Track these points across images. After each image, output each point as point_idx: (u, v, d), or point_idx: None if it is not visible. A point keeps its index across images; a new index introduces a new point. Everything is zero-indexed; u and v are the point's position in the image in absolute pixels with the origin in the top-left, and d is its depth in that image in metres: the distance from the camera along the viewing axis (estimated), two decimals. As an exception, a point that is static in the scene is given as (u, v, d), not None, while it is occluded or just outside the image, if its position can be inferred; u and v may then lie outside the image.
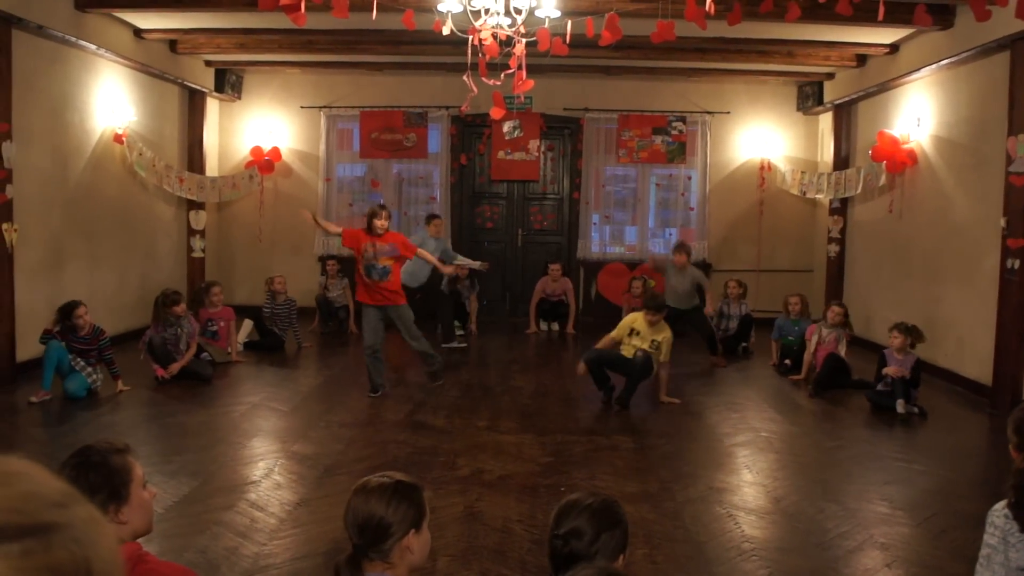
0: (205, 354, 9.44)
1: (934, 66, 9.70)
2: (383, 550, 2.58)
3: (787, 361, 10.04)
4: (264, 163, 13.48)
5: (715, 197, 13.92)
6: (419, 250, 8.85)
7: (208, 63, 13.01)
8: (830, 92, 13.03)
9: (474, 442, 6.85)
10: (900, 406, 7.96)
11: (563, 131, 14.05)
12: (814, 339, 9.52)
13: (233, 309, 10.36)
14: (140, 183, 11.36)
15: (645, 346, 8.17)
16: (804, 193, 13.06)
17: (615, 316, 10.83)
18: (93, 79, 10.10)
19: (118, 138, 10.57)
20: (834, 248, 12.84)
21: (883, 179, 10.92)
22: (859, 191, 11.58)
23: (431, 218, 11.58)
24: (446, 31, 6.47)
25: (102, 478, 2.55)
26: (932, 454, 6.89)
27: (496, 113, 7.60)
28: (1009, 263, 8.23)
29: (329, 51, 11.94)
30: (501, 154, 13.79)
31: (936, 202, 10.04)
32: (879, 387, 8.34)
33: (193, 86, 12.56)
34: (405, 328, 8.43)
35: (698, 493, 5.77)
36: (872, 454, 6.89)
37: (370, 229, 8.23)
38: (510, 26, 6.45)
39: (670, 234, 14.17)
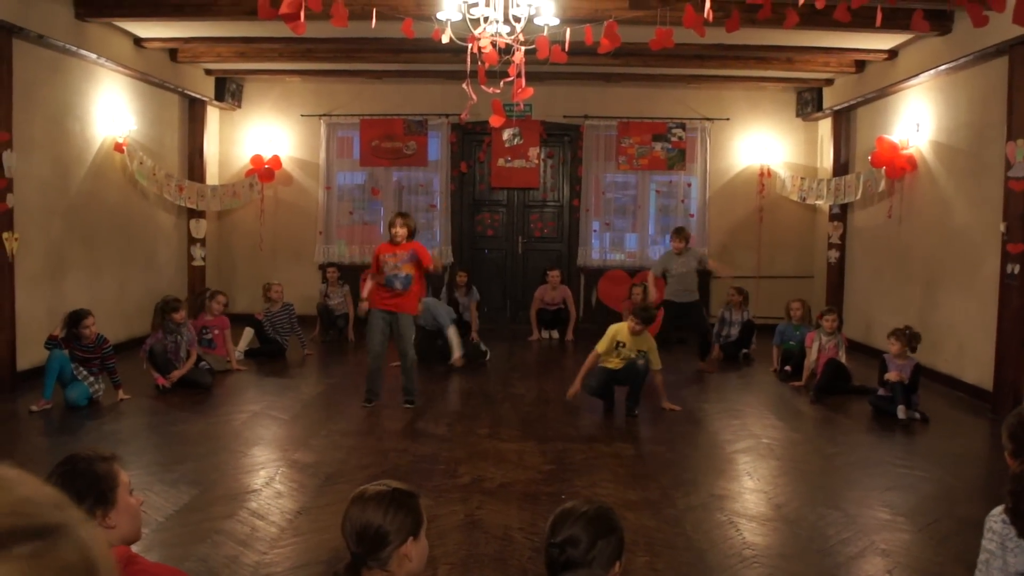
0: (204, 363, 9.43)
1: (933, 72, 9.72)
2: (381, 558, 2.58)
3: (787, 367, 10.03)
4: (264, 171, 13.50)
5: (715, 204, 13.93)
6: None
7: (208, 72, 13.04)
8: (829, 98, 13.04)
9: (475, 450, 6.85)
10: (901, 411, 7.95)
11: (563, 138, 14.06)
12: (815, 346, 9.52)
13: (228, 318, 10.35)
14: (140, 192, 11.37)
15: (633, 356, 8.15)
16: (804, 199, 13.07)
17: (615, 322, 10.80)
18: (93, 88, 10.12)
19: (118, 147, 10.59)
20: (834, 254, 12.84)
21: (883, 185, 10.93)
22: (859, 197, 11.59)
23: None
24: (445, 39, 6.49)
25: (88, 484, 2.59)
26: (933, 459, 6.88)
27: (496, 121, 7.62)
28: (1009, 268, 8.23)
29: (329, 59, 11.97)
30: (501, 162, 13.81)
31: (936, 207, 10.05)
32: (879, 392, 8.33)
33: (193, 95, 12.58)
34: (402, 341, 8.18)
35: (699, 500, 5.76)
36: (873, 460, 6.88)
37: (390, 239, 8.17)
38: (509, 34, 6.47)
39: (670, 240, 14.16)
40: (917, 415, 8.05)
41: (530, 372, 10.53)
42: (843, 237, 12.75)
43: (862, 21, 7.39)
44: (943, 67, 9.46)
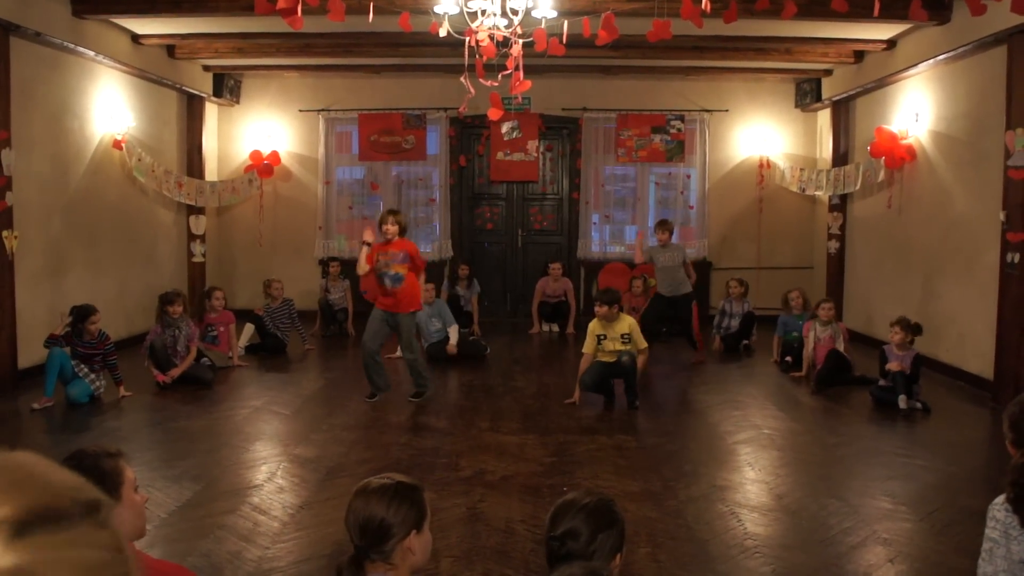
0: (205, 359, 9.44)
1: (931, 61, 9.71)
2: (385, 551, 2.58)
3: (788, 358, 10.03)
4: (263, 167, 13.49)
5: (714, 195, 13.93)
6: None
7: (206, 68, 13.02)
8: (828, 89, 13.03)
9: (476, 443, 6.86)
10: (902, 401, 7.96)
11: (562, 131, 14.06)
12: (811, 336, 9.52)
13: (233, 313, 10.37)
14: (140, 189, 11.37)
15: (618, 346, 8.14)
16: (803, 190, 13.07)
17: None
18: (91, 85, 10.11)
19: (117, 144, 10.58)
20: (834, 244, 12.84)
21: (882, 175, 10.92)
22: (858, 187, 11.58)
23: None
24: (443, 33, 6.48)
25: (94, 481, 2.54)
26: (934, 449, 6.89)
27: (494, 114, 7.61)
28: (1009, 257, 8.23)
29: (326, 54, 11.96)
30: (500, 155, 13.80)
31: (935, 197, 10.04)
32: (880, 383, 8.33)
33: (191, 91, 12.57)
34: (403, 337, 8.18)
35: (701, 491, 5.77)
36: (874, 450, 6.89)
37: (381, 232, 8.13)
38: (507, 27, 6.46)
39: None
40: (918, 405, 8.05)
41: (531, 365, 10.54)
42: (843, 227, 12.75)
43: (860, 11, 7.37)
44: (942, 56, 9.45)
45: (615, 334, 8.11)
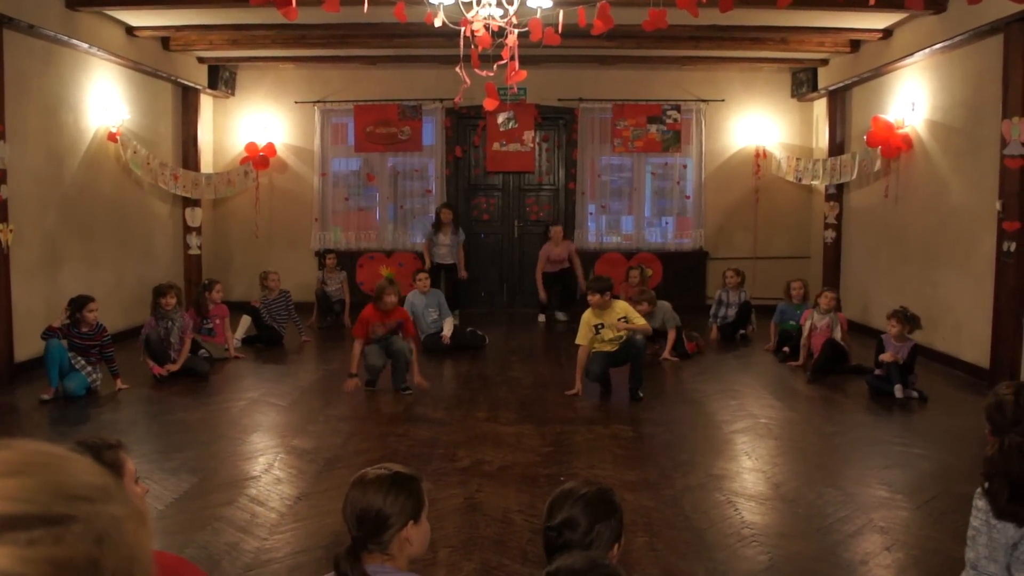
0: (202, 351, 9.44)
1: (927, 50, 9.70)
2: (382, 541, 2.58)
3: (785, 348, 10.03)
4: (259, 159, 13.47)
5: (711, 185, 13.93)
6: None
7: (201, 60, 12.99)
8: (824, 78, 13.02)
9: (473, 433, 6.86)
10: (898, 391, 7.97)
11: (558, 121, 14.04)
12: (807, 325, 9.53)
13: (227, 306, 10.37)
14: (135, 181, 11.34)
15: (616, 332, 8.12)
16: (800, 180, 13.06)
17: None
18: (86, 78, 10.08)
19: (112, 136, 10.56)
20: (830, 234, 12.84)
21: (878, 164, 10.93)
22: (854, 177, 11.58)
23: (417, 273, 11.19)
24: (438, 23, 6.46)
25: None
26: (931, 438, 6.90)
27: (490, 104, 7.59)
28: (1005, 246, 8.24)
29: (322, 45, 11.93)
30: (496, 146, 13.78)
31: (931, 186, 10.05)
32: (876, 372, 8.34)
33: (186, 83, 12.54)
34: (398, 355, 8.19)
35: (697, 480, 5.78)
36: (871, 439, 6.90)
37: (378, 304, 8.14)
38: (502, 17, 6.44)
39: (666, 223, 14.20)
40: (915, 394, 8.06)
41: (528, 355, 10.53)
42: (839, 217, 12.75)
43: (856, 0, 7.36)
44: (938, 46, 9.44)
45: (612, 320, 8.10)
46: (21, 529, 0.77)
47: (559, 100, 13.74)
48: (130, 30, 10.82)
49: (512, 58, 6.79)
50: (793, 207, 13.98)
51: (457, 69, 7.07)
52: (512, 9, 6.36)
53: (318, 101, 13.85)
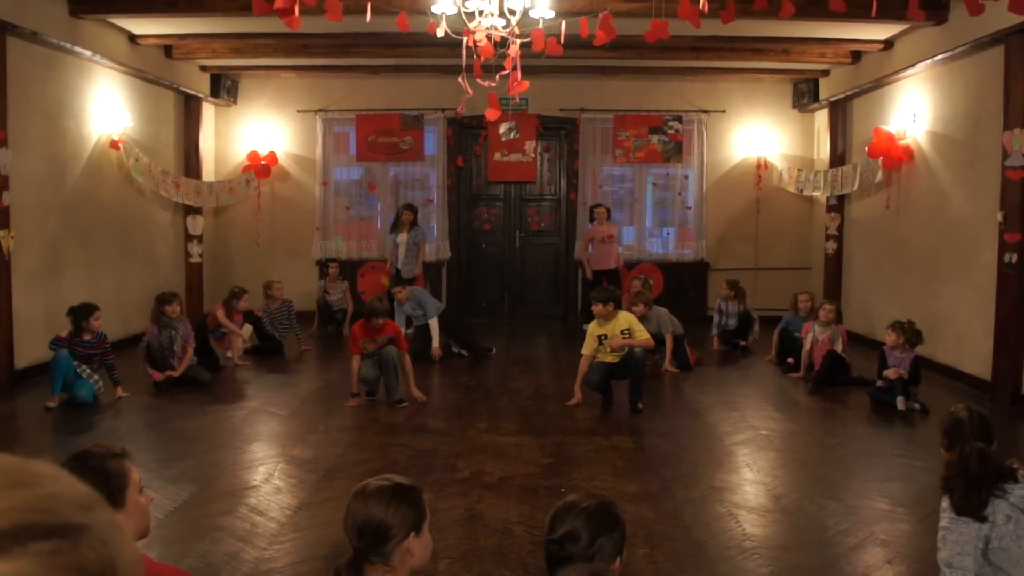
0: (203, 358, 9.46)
1: (929, 61, 9.71)
2: (384, 553, 2.57)
3: (789, 359, 10.01)
4: (261, 167, 13.48)
5: (712, 196, 13.93)
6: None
7: (203, 68, 13.00)
8: (825, 89, 13.03)
9: (474, 444, 6.85)
10: (900, 403, 7.96)
11: (559, 132, 14.05)
12: (809, 337, 9.52)
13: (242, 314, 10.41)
14: (137, 189, 11.35)
15: (614, 349, 8.11)
16: (801, 191, 13.07)
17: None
18: (88, 85, 10.10)
19: (114, 144, 10.56)
20: (832, 245, 12.84)
21: (879, 175, 10.93)
22: (856, 188, 11.59)
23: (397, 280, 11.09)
24: (440, 33, 6.48)
25: (98, 482, 2.52)
26: (932, 450, 6.83)
27: (492, 114, 7.61)
28: (1007, 257, 8.23)
29: (324, 55, 11.94)
30: (498, 156, 13.79)
31: (933, 198, 10.05)
32: (878, 384, 8.32)
33: (189, 91, 12.55)
34: (387, 366, 8.16)
35: (698, 492, 5.76)
36: (872, 451, 6.88)
37: (370, 323, 8.10)
38: (504, 27, 6.46)
39: (668, 233, 14.20)
40: (916, 406, 8.05)
41: (528, 366, 10.51)
42: (840, 228, 12.75)
43: (858, 11, 7.36)
44: (939, 57, 9.45)
45: (615, 332, 8.08)
46: (42, 539, 0.77)
47: (561, 110, 13.76)
48: (133, 38, 10.84)
49: (514, 68, 6.80)
50: (794, 218, 13.98)
51: (459, 79, 7.08)
52: (514, 19, 6.38)
53: (320, 110, 13.86)
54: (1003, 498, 3.52)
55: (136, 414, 7.88)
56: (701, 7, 6.20)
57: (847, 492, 5.80)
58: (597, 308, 8.10)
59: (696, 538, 4.92)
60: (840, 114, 12.68)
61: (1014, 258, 8.13)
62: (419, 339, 10.40)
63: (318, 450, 6.69)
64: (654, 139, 13.77)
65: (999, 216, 8.31)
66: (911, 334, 8.33)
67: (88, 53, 9.77)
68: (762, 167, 13.76)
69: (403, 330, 9.96)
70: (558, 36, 6.78)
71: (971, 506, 3.54)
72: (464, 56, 6.94)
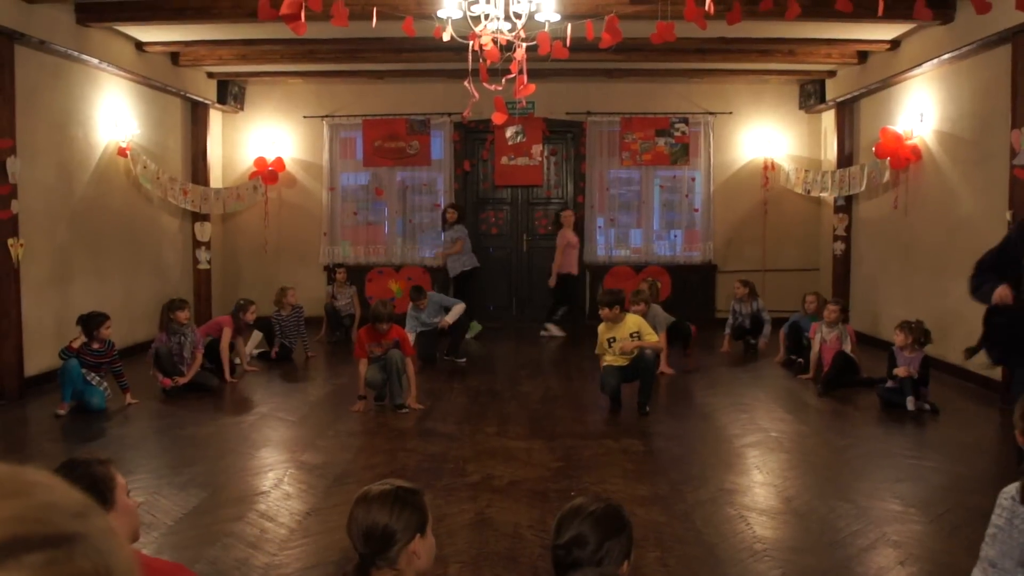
0: (210, 365, 9.45)
1: (935, 61, 9.68)
2: (389, 557, 2.58)
3: (799, 359, 10.00)
4: (268, 173, 13.50)
5: (719, 198, 13.92)
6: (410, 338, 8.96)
7: (210, 75, 13.05)
8: (832, 90, 13.01)
9: (483, 448, 6.84)
10: (910, 403, 7.93)
11: (566, 135, 14.05)
12: (817, 338, 9.49)
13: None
14: (145, 196, 11.38)
15: (623, 353, 8.08)
16: (808, 192, 13.04)
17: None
18: (96, 93, 10.13)
19: (122, 151, 10.60)
20: (840, 246, 12.81)
21: (887, 176, 10.90)
22: (863, 188, 11.56)
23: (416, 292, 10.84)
24: (446, 37, 6.47)
25: (87, 486, 2.60)
26: (943, 450, 6.86)
27: (498, 118, 7.60)
28: (1016, 257, 8.19)
29: (330, 60, 11.96)
30: (504, 159, 13.80)
31: (941, 197, 10.02)
32: (888, 384, 8.30)
33: (196, 98, 12.58)
34: (391, 370, 8.14)
35: (709, 495, 5.75)
36: (883, 452, 6.86)
37: (375, 327, 8.12)
38: (510, 31, 6.45)
39: (675, 236, 14.19)
40: (927, 406, 8.02)
41: (537, 370, 10.51)
42: (848, 229, 12.72)
43: (864, 11, 7.36)
44: (946, 56, 9.42)
45: (624, 334, 8.06)
46: (36, 550, 0.77)
47: (567, 114, 13.76)
48: (140, 45, 10.87)
49: (520, 72, 6.80)
50: (802, 219, 13.96)
51: (465, 83, 7.08)
52: (520, 23, 6.37)
53: (327, 116, 13.89)
54: None
55: (145, 420, 7.89)
56: (707, 9, 6.19)
57: (858, 493, 5.77)
58: (604, 312, 8.09)
59: (707, 541, 4.91)
60: (847, 115, 12.66)
61: None
62: (423, 346, 10.40)
63: (327, 455, 6.69)
64: (661, 141, 13.77)
65: (1007, 215, 8.28)
66: (920, 334, 8.32)
67: (95, 61, 9.80)
68: (769, 168, 13.74)
69: (413, 336, 10.07)
70: (564, 39, 6.77)
71: None
72: (470, 60, 6.94)
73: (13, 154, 8.27)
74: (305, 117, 13.93)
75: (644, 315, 9.41)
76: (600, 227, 14.09)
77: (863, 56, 11.64)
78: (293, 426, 7.71)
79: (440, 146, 13.98)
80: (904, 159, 10.52)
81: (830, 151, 13.26)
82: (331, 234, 14.01)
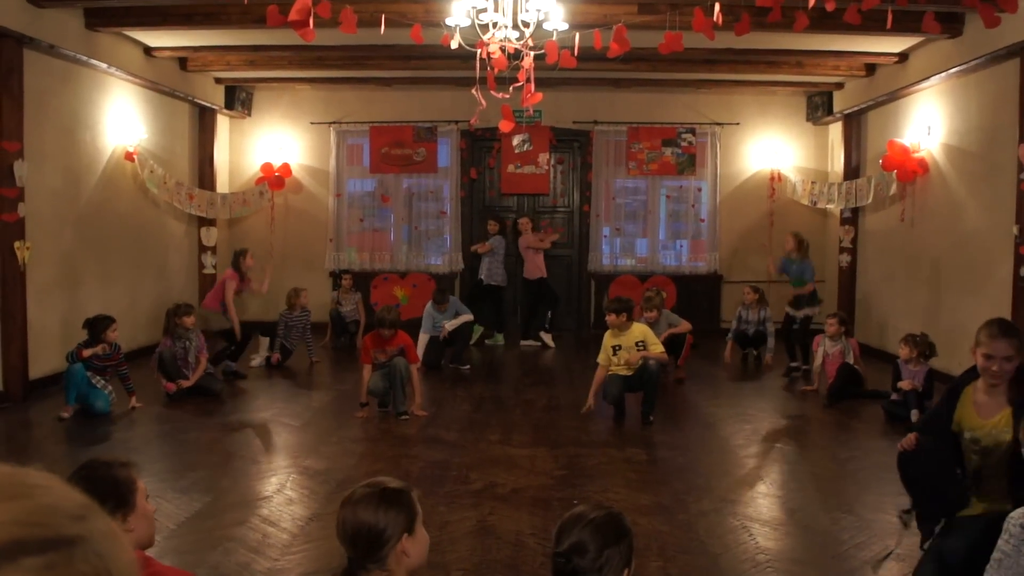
0: (211, 369, 9.45)
1: (943, 74, 9.68)
2: (379, 558, 2.57)
3: (805, 367, 10.11)
4: (274, 179, 13.52)
5: (725, 208, 13.91)
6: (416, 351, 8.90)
7: (218, 80, 13.08)
8: (839, 102, 13.01)
9: (486, 456, 6.83)
10: (914, 416, 7.90)
11: (572, 144, 14.06)
12: (820, 352, 9.47)
13: (246, 325, 10.45)
14: (151, 200, 11.40)
15: (628, 361, 8.07)
16: (815, 203, 13.04)
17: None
18: (104, 97, 10.16)
19: (129, 156, 10.62)
20: (846, 258, 12.80)
21: (894, 188, 10.90)
22: (870, 200, 11.55)
23: (440, 295, 10.99)
24: (454, 45, 6.49)
25: (109, 488, 2.65)
26: (948, 464, 6.83)
27: (505, 126, 7.61)
28: (1022, 271, 8.18)
29: (338, 67, 11.99)
30: (511, 168, 13.81)
31: (948, 211, 10.01)
32: (892, 397, 8.28)
33: (203, 103, 12.62)
34: (395, 377, 8.10)
35: (712, 505, 5.73)
36: (887, 464, 6.78)
37: (379, 333, 8.11)
38: (518, 39, 6.46)
39: (681, 246, 14.18)
40: (931, 419, 7.99)
41: (541, 378, 10.50)
42: (854, 241, 12.71)
43: (872, 24, 7.37)
44: (954, 69, 9.42)
45: (629, 343, 8.05)
46: (35, 554, 0.76)
47: (574, 122, 13.77)
48: (148, 50, 10.91)
49: (528, 80, 6.81)
50: (808, 231, 13.81)
51: (473, 91, 7.09)
52: (528, 32, 6.38)
53: (334, 122, 13.91)
54: None
55: (149, 424, 7.90)
56: (715, 19, 6.20)
57: (862, 506, 5.75)
58: (611, 318, 8.08)
59: (710, 551, 4.89)
60: (854, 127, 12.66)
61: (1030, 271, 8.08)
62: (428, 353, 10.41)
63: (330, 461, 6.68)
64: (667, 151, 13.77)
65: (1014, 229, 8.26)
66: (924, 347, 8.30)
67: (104, 66, 9.83)
68: (776, 179, 13.73)
69: (426, 338, 10.28)
70: (572, 48, 6.79)
71: None
72: (478, 68, 6.95)
73: (21, 157, 8.29)
74: (312, 123, 13.95)
75: (657, 321, 9.45)
76: (606, 236, 14.10)
77: (871, 69, 11.64)
78: (296, 431, 7.70)
79: (447, 154, 14.00)
80: (911, 172, 10.51)
81: (837, 163, 13.25)
82: (337, 240, 14.03)
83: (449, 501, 5.63)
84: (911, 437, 4.28)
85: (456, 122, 13.62)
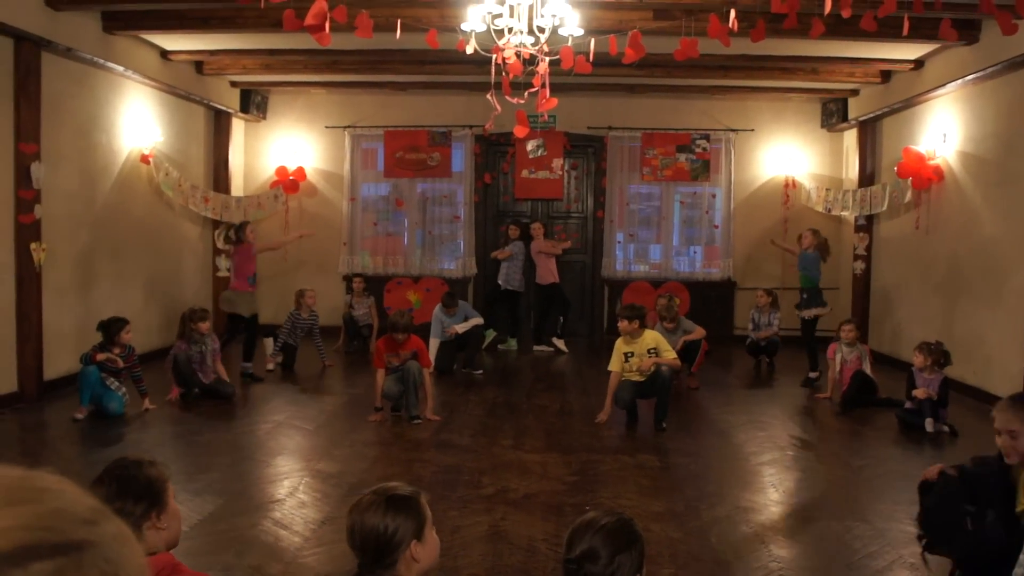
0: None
1: (959, 81, 9.65)
2: (388, 564, 2.57)
3: (812, 374, 10.05)
4: (289, 183, 13.57)
5: (740, 215, 13.88)
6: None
7: (234, 84, 13.13)
8: (855, 109, 12.97)
9: (499, 461, 6.83)
10: (929, 424, 7.88)
11: (587, 149, 14.06)
12: (837, 358, 9.43)
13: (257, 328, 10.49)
14: (166, 203, 11.45)
15: (641, 368, 8.06)
16: (829, 210, 13.00)
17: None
18: (120, 100, 10.21)
19: (145, 159, 10.67)
20: (860, 265, 12.75)
21: (909, 195, 10.86)
22: (885, 208, 11.51)
23: (450, 298, 10.94)
24: (470, 50, 6.49)
25: (144, 487, 2.70)
26: (962, 473, 6.79)
27: (520, 131, 7.60)
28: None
29: (353, 71, 12.02)
30: (525, 173, 13.81)
31: (963, 218, 9.96)
32: (907, 405, 8.25)
33: (219, 107, 12.67)
34: (408, 381, 8.10)
35: (724, 512, 5.72)
36: (901, 473, 6.79)
37: (392, 337, 8.12)
38: (533, 45, 6.46)
39: (695, 252, 14.16)
40: (946, 428, 7.96)
41: (554, 384, 10.49)
42: (869, 248, 12.67)
43: (888, 31, 7.33)
44: (970, 76, 9.39)
45: (641, 350, 8.04)
46: (45, 559, 0.76)
47: (588, 128, 13.78)
48: (164, 54, 10.96)
49: (543, 86, 6.81)
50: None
51: (488, 96, 7.09)
52: (544, 37, 6.39)
53: (348, 126, 13.95)
54: None
55: (162, 426, 7.92)
56: (731, 26, 6.20)
57: (875, 514, 5.72)
58: (623, 325, 8.07)
59: (722, 559, 4.88)
60: (869, 134, 12.62)
61: (1046, 280, 8.04)
62: (441, 357, 10.41)
63: (343, 464, 6.69)
64: (682, 157, 13.76)
65: (1031, 237, 8.23)
66: (939, 355, 8.25)
67: (120, 69, 9.88)
68: (790, 186, 13.70)
69: (436, 343, 10.29)
70: (587, 54, 6.78)
71: None
72: (493, 73, 6.95)
73: (37, 159, 8.34)
74: (327, 127, 13.99)
75: (675, 330, 9.45)
76: (619, 242, 14.09)
77: (886, 75, 11.60)
78: (309, 435, 7.72)
79: (461, 158, 14.02)
80: (926, 179, 10.48)
81: (852, 170, 13.21)
82: (351, 244, 14.05)
83: (461, 506, 5.63)
84: (934, 469, 4.25)
85: (471, 127, 13.64)
